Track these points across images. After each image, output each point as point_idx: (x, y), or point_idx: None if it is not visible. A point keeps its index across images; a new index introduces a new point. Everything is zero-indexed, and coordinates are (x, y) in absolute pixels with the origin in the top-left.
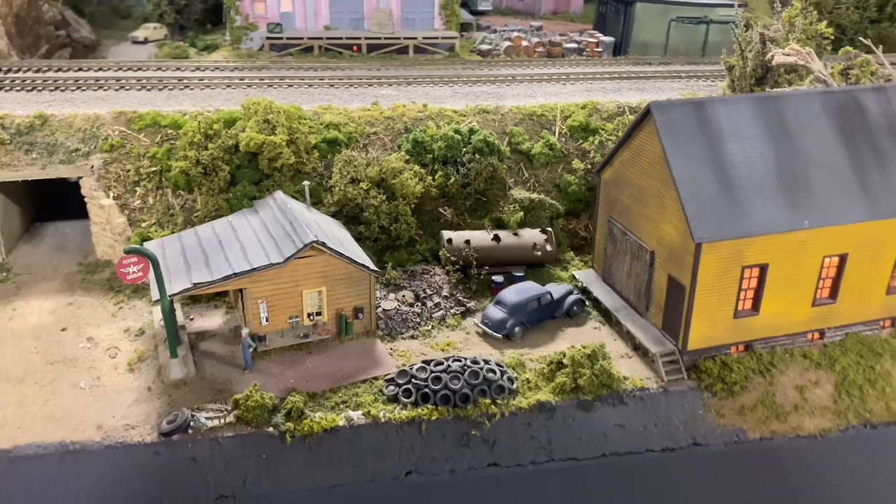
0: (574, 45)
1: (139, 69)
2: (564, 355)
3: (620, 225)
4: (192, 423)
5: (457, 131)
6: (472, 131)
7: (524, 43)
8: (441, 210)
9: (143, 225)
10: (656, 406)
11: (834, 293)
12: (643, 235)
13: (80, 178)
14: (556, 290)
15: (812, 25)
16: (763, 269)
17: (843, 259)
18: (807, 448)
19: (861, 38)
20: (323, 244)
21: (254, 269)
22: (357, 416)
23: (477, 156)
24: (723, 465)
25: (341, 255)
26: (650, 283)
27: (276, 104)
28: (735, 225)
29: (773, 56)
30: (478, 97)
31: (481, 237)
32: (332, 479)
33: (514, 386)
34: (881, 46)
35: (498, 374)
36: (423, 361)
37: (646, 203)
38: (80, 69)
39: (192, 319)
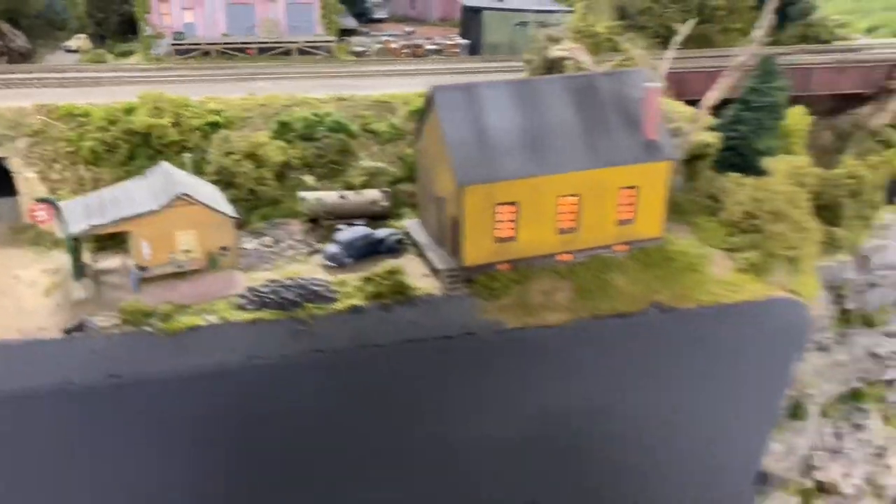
0: (434, 47)
1: (61, 71)
2: (373, 273)
3: (427, 182)
4: (89, 325)
5: (315, 114)
6: (327, 114)
7: (392, 45)
8: (303, 177)
9: (60, 193)
10: (439, 307)
11: (575, 224)
12: (437, 188)
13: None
14: (382, 232)
15: (590, 27)
16: (514, 205)
17: (577, 198)
18: (551, 335)
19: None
20: (189, 196)
21: (137, 215)
22: (213, 318)
23: (330, 133)
24: (487, 348)
25: (206, 204)
26: (442, 221)
27: (165, 95)
28: (489, 173)
29: (550, 51)
30: (339, 88)
31: (330, 196)
32: (194, 363)
33: (334, 295)
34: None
35: (322, 286)
36: (268, 281)
37: (437, 163)
38: (10, 73)
39: (97, 261)
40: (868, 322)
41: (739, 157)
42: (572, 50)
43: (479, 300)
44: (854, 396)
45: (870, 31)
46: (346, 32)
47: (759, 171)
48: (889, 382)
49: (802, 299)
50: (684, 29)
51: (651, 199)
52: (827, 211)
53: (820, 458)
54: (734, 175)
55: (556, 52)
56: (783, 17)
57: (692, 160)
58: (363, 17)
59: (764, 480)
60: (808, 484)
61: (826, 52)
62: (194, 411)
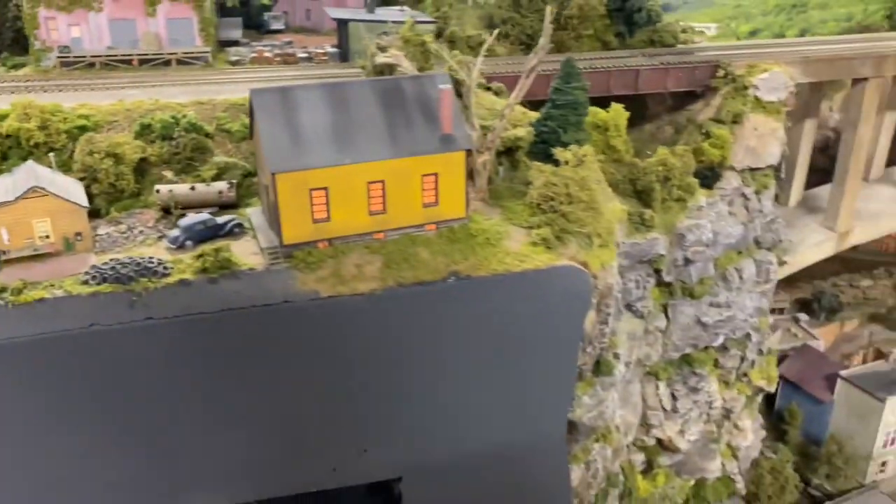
0: (305, 55)
1: None
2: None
3: (259, 173)
4: None
5: (173, 116)
6: (184, 116)
7: (266, 54)
8: (164, 172)
9: None
10: (261, 280)
11: (383, 206)
12: (263, 177)
13: None
14: (223, 218)
15: (418, 36)
16: (326, 190)
17: (383, 184)
18: (362, 301)
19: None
20: (42, 188)
21: None
22: (59, 292)
23: (186, 133)
24: (304, 314)
25: (58, 195)
26: (270, 206)
27: (35, 102)
28: (299, 162)
29: (378, 58)
30: (205, 94)
31: (182, 188)
32: (40, 329)
33: (167, 271)
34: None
35: (155, 263)
36: (111, 259)
37: (260, 156)
38: None
39: None
40: (691, 293)
41: (549, 148)
42: (397, 57)
43: (298, 273)
44: (687, 361)
45: (752, 33)
46: (230, 43)
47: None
48: (723, 348)
49: (586, 268)
50: (543, 40)
51: (451, 184)
52: (644, 194)
53: (657, 417)
54: (537, 164)
55: (383, 59)
56: (631, 23)
57: (509, 152)
58: (261, 28)
59: (576, 429)
60: (650, 442)
61: (657, 56)
62: (40, 373)
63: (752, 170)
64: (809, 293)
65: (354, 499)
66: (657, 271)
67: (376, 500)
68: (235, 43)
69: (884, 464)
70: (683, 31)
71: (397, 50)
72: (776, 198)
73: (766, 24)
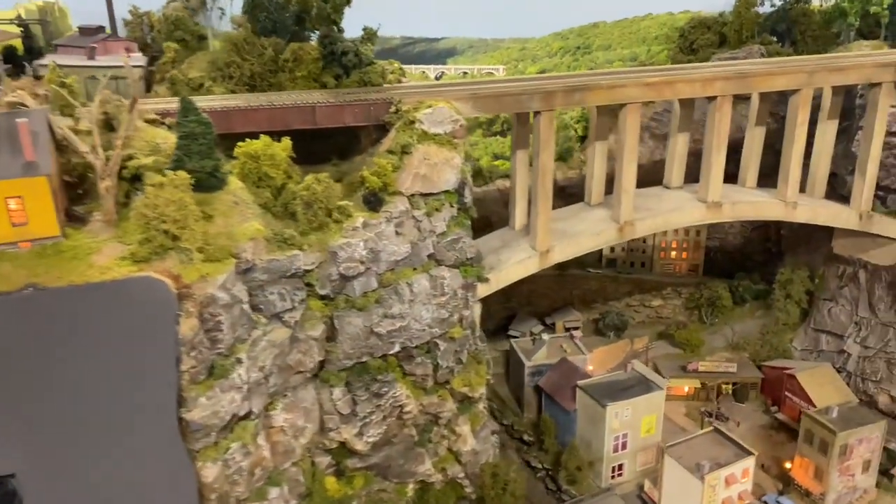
0: None
1: None
2: None
3: None
4: None
5: None
6: None
7: None
8: None
9: None
10: None
11: None
12: None
13: None
14: None
15: (60, 77)
16: None
17: None
18: None
19: None
20: None
21: None
22: None
23: None
24: None
25: None
26: None
27: None
28: None
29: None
30: None
31: None
32: None
33: None
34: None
35: None
36: None
37: None
38: None
39: None
40: (357, 306)
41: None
42: (21, 95)
43: None
44: (366, 368)
45: (542, 71)
46: None
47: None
48: (409, 356)
49: (178, 280)
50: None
51: (39, 205)
52: (294, 216)
53: (333, 421)
54: (142, 186)
55: (10, 97)
56: (343, 66)
57: (136, 179)
58: None
59: (190, 428)
60: (331, 444)
61: (350, 94)
62: None
63: (424, 195)
64: (599, 314)
65: None
66: (309, 285)
67: None
68: None
69: (620, 467)
70: (392, 72)
71: (27, 90)
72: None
73: (553, 64)
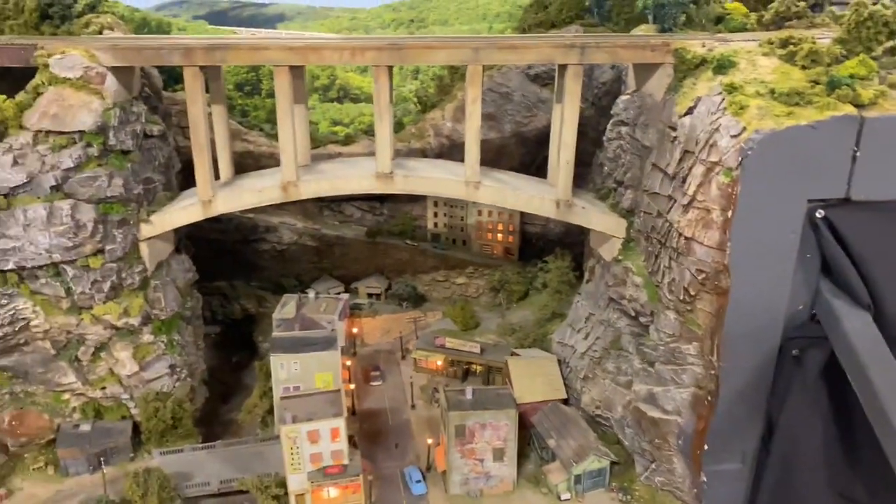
0: None
1: None
2: None
3: None
4: None
5: None
6: None
7: None
8: None
9: None
10: None
11: None
12: None
13: None
14: None
15: None
16: None
17: None
18: None
19: None
20: None
21: None
22: None
23: None
24: None
25: None
26: None
27: None
28: None
29: None
30: None
31: None
32: None
33: None
34: None
35: None
36: None
37: None
38: None
39: None
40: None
41: None
42: None
43: None
44: None
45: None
46: None
47: None
48: (33, 276)
49: None
50: None
51: None
52: None
53: None
54: None
55: None
56: (50, 17)
57: None
58: None
59: None
60: None
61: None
62: None
63: (54, 132)
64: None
65: None
66: None
67: None
68: None
69: None
70: (101, 25)
71: None
72: None
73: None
